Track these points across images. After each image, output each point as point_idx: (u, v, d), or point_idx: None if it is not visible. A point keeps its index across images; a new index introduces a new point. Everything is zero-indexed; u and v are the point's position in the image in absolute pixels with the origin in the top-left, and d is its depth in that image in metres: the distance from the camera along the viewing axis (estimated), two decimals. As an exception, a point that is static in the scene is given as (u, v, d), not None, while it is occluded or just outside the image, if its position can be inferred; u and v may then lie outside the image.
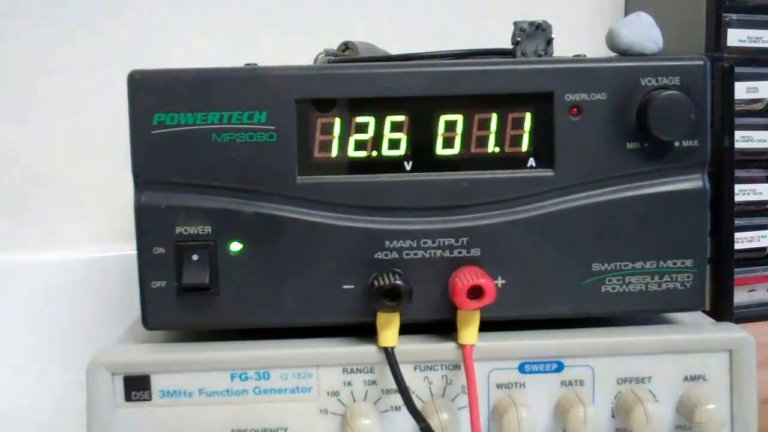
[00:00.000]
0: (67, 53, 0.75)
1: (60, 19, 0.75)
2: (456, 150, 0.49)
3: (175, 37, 0.76)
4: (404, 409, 0.46)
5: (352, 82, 0.48)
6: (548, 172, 0.49)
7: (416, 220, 0.48)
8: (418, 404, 0.47)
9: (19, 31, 0.74)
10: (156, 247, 0.48)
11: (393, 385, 0.47)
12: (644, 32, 0.50)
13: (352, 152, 0.48)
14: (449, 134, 0.49)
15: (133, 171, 0.48)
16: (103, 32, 0.75)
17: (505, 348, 0.48)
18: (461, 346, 0.47)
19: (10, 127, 0.75)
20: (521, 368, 0.49)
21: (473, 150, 0.49)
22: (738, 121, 0.60)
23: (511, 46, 0.53)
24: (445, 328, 0.48)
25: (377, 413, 0.48)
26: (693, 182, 0.49)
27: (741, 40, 0.73)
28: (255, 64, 0.51)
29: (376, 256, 0.48)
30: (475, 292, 0.46)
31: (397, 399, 0.47)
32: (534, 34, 0.52)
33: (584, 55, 0.52)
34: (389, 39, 0.66)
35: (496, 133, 0.49)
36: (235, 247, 0.48)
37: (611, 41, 0.50)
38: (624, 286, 0.49)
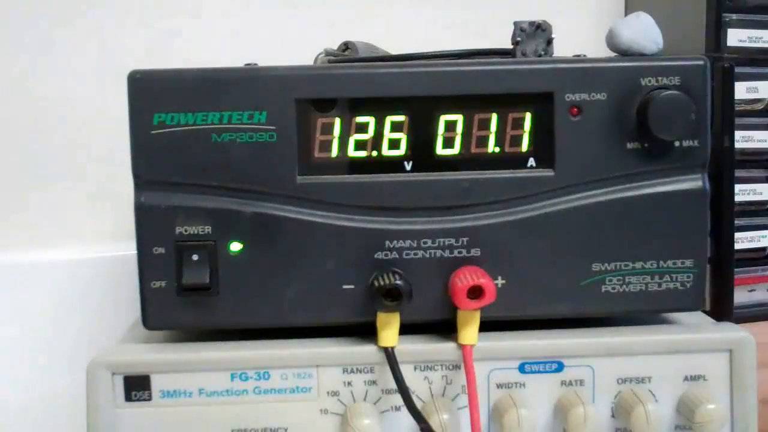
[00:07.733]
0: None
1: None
2: (456, 150, 0.49)
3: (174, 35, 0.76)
4: (404, 409, 0.46)
5: (352, 82, 0.48)
6: (548, 172, 0.49)
7: (416, 220, 0.48)
8: (418, 404, 0.47)
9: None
10: (156, 247, 0.48)
11: (393, 385, 0.47)
12: (644, 32, 0.50)
13: (352, 152, 0.48)
14: (449, 134, 0.49)
15: (133, 171, 0.48)
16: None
17: (505, 348, 0.48)
18: (461, 346, 0.47)
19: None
20: (521, 368, 0.49)
21: (473, 150, 0.49)
22: (738, 121, 0.59)
23: (511, 46, 0.53)
24: (445, 328, 0.48)
25: (377, 413, 0.48)
26: (693, 182, 0.49)
27: (741, 40, 0.72)
28: (255, 64, 0.51)
29: (376, 256, 0.48)
30: (475, 292, 0.46)
31: (397, 399, 0.47)
32: (534, 34, 0.52)
33: (584, 55, 0.52)
34: (389, 39, 0.66)
35: (496, 133, 0.49)
36: (235, 247, 0.48)
37: (611, 41, 0.51)
38: (624, 286, 0.49)
